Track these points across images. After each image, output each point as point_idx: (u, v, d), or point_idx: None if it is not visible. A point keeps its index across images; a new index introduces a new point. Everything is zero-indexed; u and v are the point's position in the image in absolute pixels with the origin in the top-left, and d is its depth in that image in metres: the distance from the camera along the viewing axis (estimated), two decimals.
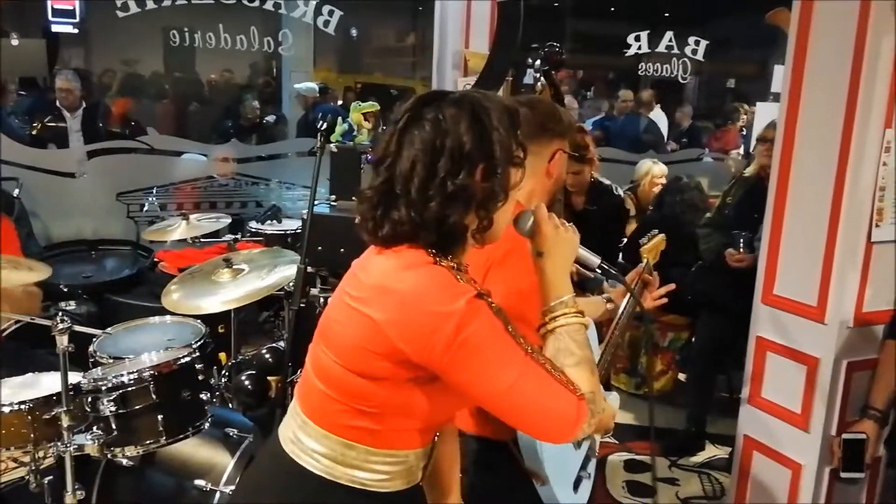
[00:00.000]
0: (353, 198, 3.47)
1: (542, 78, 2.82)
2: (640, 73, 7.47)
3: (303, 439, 1.39)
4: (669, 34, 7.15)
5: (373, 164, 1.38)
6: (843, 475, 2.42)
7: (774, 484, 2.65)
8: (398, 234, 1.31)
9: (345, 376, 1.32)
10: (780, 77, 3.18)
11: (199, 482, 2.39)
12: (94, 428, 2.26)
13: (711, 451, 3.90)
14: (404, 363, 1.27)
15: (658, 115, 7.47)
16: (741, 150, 7.09)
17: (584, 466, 1.93)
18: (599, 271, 1.50)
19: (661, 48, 7.18)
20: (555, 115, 1.90)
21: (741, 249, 3.50)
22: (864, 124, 2.31)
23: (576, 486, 1.89)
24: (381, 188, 1.33)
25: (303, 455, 1.38)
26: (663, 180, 4.88)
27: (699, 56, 7.27)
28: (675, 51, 7.20)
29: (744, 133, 7.28)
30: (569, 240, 1.42)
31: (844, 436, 2.38)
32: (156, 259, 4.37)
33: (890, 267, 2.46)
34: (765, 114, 5.65)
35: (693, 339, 4.37)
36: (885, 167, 2.35)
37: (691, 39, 7.19)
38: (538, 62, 2.84)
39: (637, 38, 7.12)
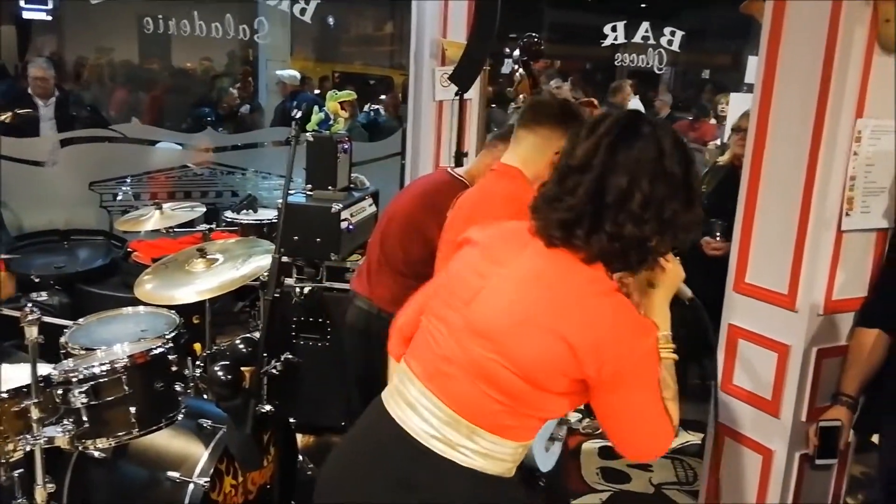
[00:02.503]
0: (329, 188, 3.44)
1: (520, 68, 2.82)
2: (616, 63, 7.51)
3: (450, 436, 1.44)
4: (645, 25, 7.19)
5: (567, 170, 1.40)
6: (818, 462, 2.44)
7: (745, 469, 2.68)
8: (607, 250, 1.35)
9: (518, 385, 1.38)
10: (753, 68, 3.19)
11: (173, 474, 2.37)
12: (65, 420, 2.23)
13: (684, 438, 3.94)
14: (582, 381, 1.36)
15: (636, 105, 7.49)
16: (718, 142, 7.13)
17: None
18: (688, 303, 1.56)
19: (637, 38, 7.22)
20: (576, 113, 2.03)
21: (717, 237, 3.50)
22: (836, 114, 2.33)
23: (547, 448, 2.10)
24: (587, 198, 1.35)
25: (449, 451, 1.44)
26: None
27: (675, 47, 7.31)
28: (651, 41, 7.23)
29: (721, 124, 7.33)
30: (678, 273, 1.49)
31: (820, 423, 2.41)
32: (129, 249, 4.31)
33: (859, 255, 2.49)
34: (738, 104, 5.66)
35: None
36: (855, 157, 2.37)
37: (667, 30, 7.23)
38: (517, 52, 2.84)
39: (613, 29, 7.14)
